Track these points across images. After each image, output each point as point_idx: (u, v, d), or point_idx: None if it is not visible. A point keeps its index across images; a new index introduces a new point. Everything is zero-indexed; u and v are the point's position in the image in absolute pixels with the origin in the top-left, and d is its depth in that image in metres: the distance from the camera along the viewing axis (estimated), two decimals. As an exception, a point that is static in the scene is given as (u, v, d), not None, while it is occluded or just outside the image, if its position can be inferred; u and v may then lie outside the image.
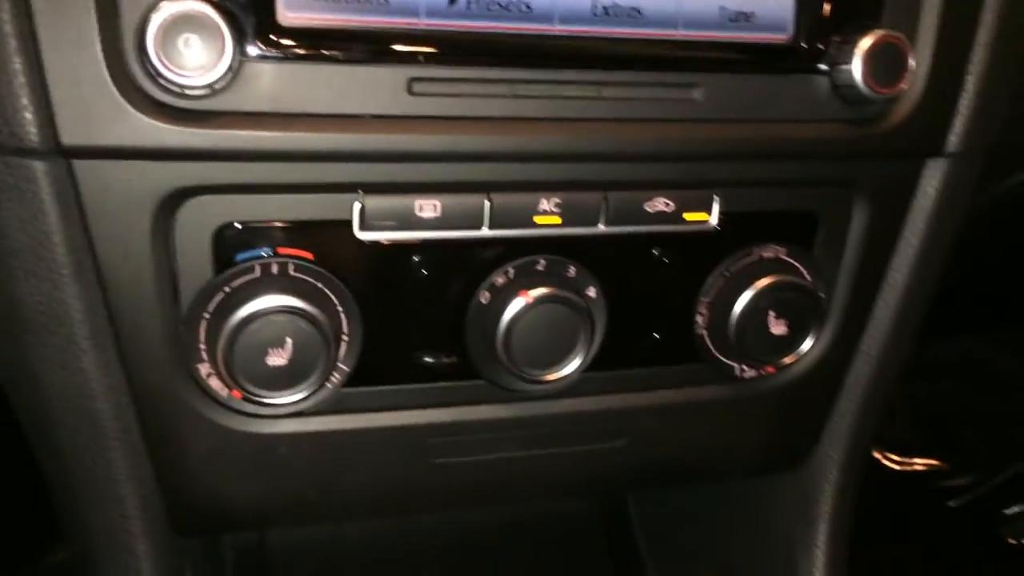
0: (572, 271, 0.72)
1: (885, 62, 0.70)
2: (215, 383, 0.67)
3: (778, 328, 0.77)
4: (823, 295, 0.79)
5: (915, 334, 0.86)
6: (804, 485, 0.90)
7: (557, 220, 0.69)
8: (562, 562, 1.09)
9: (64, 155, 0.58)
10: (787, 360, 0.79)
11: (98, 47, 0.56)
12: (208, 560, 0.88)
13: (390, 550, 1.02)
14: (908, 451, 2.14)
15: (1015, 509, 2.09)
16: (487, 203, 0.67)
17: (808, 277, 0.77)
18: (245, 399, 0.66)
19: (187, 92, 0.58)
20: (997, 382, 2.18)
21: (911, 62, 0.70)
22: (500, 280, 0.70)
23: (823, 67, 0.71)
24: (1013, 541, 2.06)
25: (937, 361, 2.11)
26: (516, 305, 0.69)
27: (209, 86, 0.58)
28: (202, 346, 0.66)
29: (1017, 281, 1.94)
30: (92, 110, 0.57)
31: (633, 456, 0.80)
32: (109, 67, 0.56)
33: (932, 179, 0.79)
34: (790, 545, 0.91)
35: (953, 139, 0.77)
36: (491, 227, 0.68)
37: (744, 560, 0.98)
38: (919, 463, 2.14)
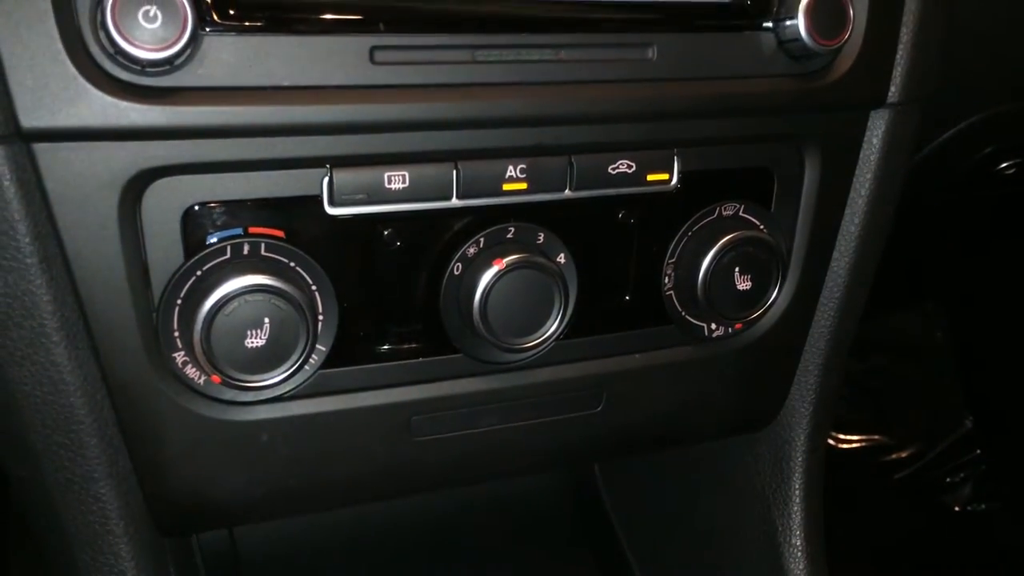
0: (541, 237, 0.72)
1: (826, 15, 0.72)
2: (191, 371, 0.65)
3: (743, 283, 0.78)
4: (783, 248, 0.80)
5: (869, 285, 0.88)
6: (775, 442, 0.91)
7: (524, 186, 0.69)
8: (535, 543, 1.08)
9: (24, 139, 0.56)
10: (754, 315, 0.80)
11: (53, 24, 0.54)
12: (185, 561, 0.85)
13: (361, 541, 1.00)
14: (849, 429, 2.19)
15: (957, 477, 2.16)
16: (455, 172, 0.67)
17: (768, 232, 0.79)
18: (224, 384, 0.64)
19: (147, 69, 0.57)
20: (927, 354, 2.24)
21: (851, 13, 0.73)
22: (471, 250, 0.70)
23: (768, 24, 0.73)
24: (958, 508, 2.12)
25: (867, 338, 2.16)
26: (489, 274, 0.69)
27: (169, 61, 0.56)
28: (176, 333, 0.64)
29: (938, 253, 2.01)
30: (51, 91, 0.55)
31: (611, 423, 0.81)
32: (66, 45, 0.55)
33: (876, 130, 0.81)
34: (765, 504, 0.92)
35: (893, 89, 0.79)
36: (460, 196, 0.68)
37: (719, 523, 0.98)
38: (861, 440, 2.19)
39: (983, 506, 2.11)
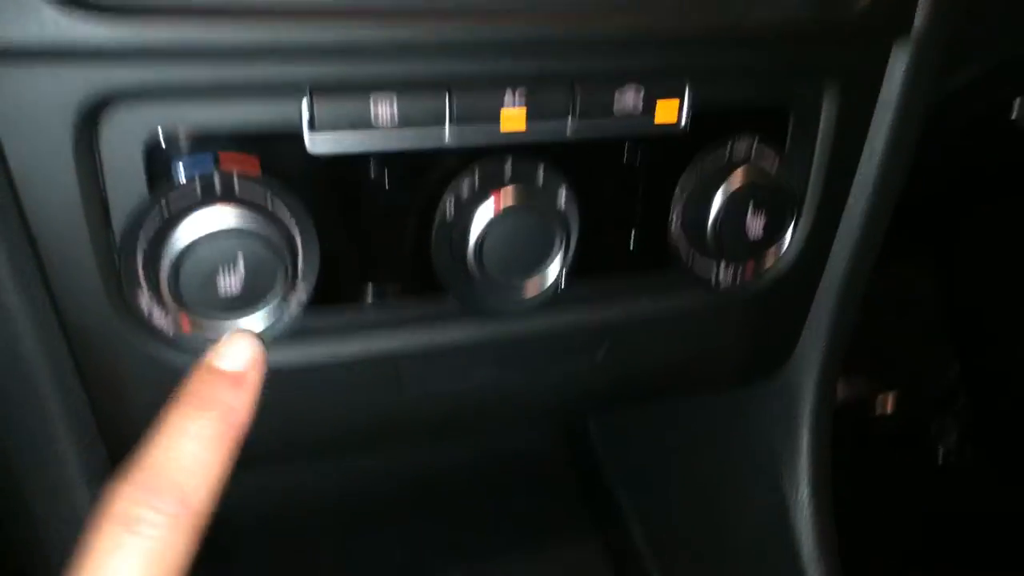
0: (541, 176, 0.66)
1: (851, -64, 0.66)
2: (158, 316, 0.60)
3: (755, 226, 0.73)
4: (798, 190, 0.75)
5: (885, 228, 0.83)
6: (783, 391, 0.87)
7: (523, 116, 0.63)
8: (524, 498, 1.04)
9: (-36, 59, 0.50)
10: (765, 259, 0.75)
11: (-7, -73, 0.48)
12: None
13: (345, 491, 0.96)
14: (835, 377, 2.15)
15: (943, 429, 2.14)
16: (448, 99, 0.61)
17: (782, 172, 0.74)
18: (195, 330, 0.59)
19: (102, -21, 0.51)
20: (915, 304, 2.21)
21: (878, -65, 0.67)
22: (465, 189, 0.64)
23: (790, -56, 0.67)
24: (943, 460, 2.11)
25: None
26: (485, 215, 0.64)
27: (127, -30, 0.50)
28: (140, 275, 0.58)
29: (938, 199, 1.96)
30: (-7, 5, 0.49)
31: (613, 373, 0.76)
32: (9, -49, 0.48)
33: (899, 63, 0.75)
34: (772, 455, 0.88)
35: (918, 21, 0.74)
36: (453, 125, 0.62)
37: (721, 475, 0.94)
38: (847, 388, 2.16)
39: (968, 457, 2.10)
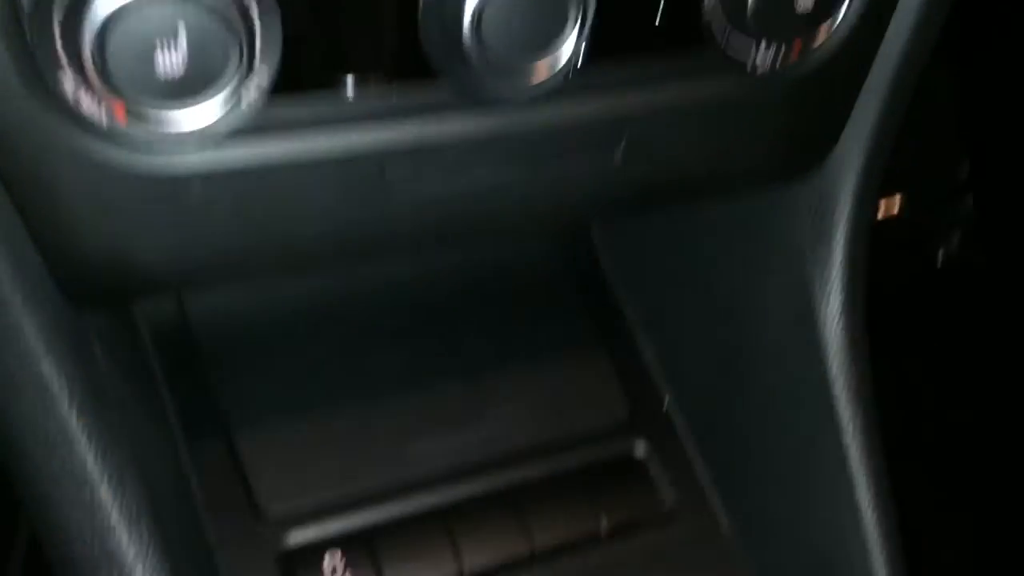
0: (552, -73, 0.54)
1: None
2: (86, 102, 0.49)
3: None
4: (857, -50, 0.63)
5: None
6: (820, 189, 0.77)
7: None
8: (527, 313, 0.96)
9: None
10: (813, 38, 0.64)
11: None
12: (119, 335, 0.73)
13: (334, 303, 0.88)
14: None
15: (946, 229, 2.07)
16: None
17: (839, -72, 0.61)
18: (134, 119, 0.49)
19: None
20: (927, 102, 2.08)
21: None
22: (460, -59, 0.52)
23: None
24: (943, 263, 2.05)
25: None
26: (483, -20, 0.52)
27: None
28: (60, 51, 0.47)
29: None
30: None
31: (631, 172, 0.66)
32: None
33: None
34: (800, 264, 0.79)
35: None
36: None
37: (742, 290, 0.86)
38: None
39: (969, 260, 2.04)
